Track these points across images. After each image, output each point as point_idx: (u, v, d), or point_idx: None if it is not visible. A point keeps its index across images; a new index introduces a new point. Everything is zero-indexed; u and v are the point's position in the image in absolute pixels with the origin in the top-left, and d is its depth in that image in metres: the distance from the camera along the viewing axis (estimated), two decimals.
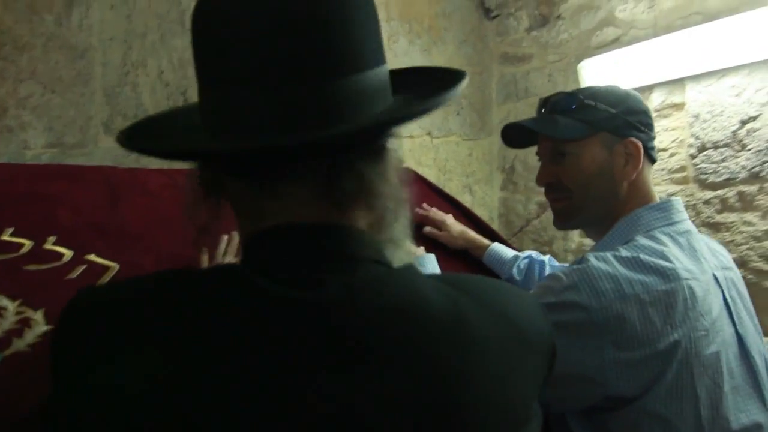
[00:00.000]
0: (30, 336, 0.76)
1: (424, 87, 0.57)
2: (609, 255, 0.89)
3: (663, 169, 1.78)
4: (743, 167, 1.59)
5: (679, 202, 1.01)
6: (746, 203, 1.58)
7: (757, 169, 1.56)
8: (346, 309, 0.48)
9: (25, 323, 0.78)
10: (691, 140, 1.70)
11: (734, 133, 1.60)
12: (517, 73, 2.21)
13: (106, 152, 2.04)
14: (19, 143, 1.98)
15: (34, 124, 2.01)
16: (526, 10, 2.15)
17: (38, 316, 0.79)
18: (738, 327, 0.92)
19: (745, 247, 1.58)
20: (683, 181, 1.73)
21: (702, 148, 1.68)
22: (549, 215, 1.26)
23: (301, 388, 0.44)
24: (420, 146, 2.14)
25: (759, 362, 0.91)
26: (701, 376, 0.84)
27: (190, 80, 1.76)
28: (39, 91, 2.01)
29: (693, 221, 1.68)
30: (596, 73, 1.88)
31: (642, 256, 0.89)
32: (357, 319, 0.48)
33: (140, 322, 0.48)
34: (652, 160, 1.06)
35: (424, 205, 1.43)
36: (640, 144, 0.99)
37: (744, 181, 1.59)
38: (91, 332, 0.49)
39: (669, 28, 1.72)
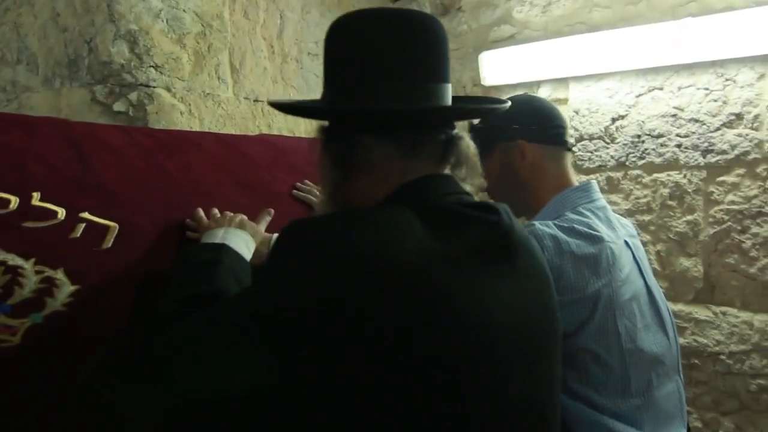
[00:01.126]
0: (61, 295, 0.73)
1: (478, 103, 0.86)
2: (550, 222, 1.11)
3: None
4: (612, 157, 1.92)
5: (595, 183, 1.25)
6: (613, 186, 1.93)
7: (623, 159, 1.90)
8: (514, 224, 0.72)
9: (50, 283, 0.74)
10: (572, 131, 2.00)
11: (606, 128, 1.93)
12: None
13: None
14: None
15: None
16: None
17: (60, 275, 0.75)
18: (646, 279, 1.19)
19: None
20: None
21: (580, 139, 1.98)
22: None
23: (503, 278, 0.68)
24: None
25: (662, 306, 1.19)
26: (621, 317, 1.08)
27: (97, 28, 1.61)
28: None
29: None
30: (493, 64, 2.10)
31: (575, 225, 1.11)
32: (518, 232, 0.72)
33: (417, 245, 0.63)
34: (560, 150, 1.25)
35: None
36: (526, 144, 1.21)
37: (612, 168, 1.93)
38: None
39: (558, 33, 1.99)
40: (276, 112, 2.00)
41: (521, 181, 1.24)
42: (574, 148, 2.00)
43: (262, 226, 1.03)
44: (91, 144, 1.03)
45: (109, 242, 0.85)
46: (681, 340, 1.65)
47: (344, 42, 0.75)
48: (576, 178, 1.27)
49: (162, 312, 0.70)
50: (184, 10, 1.73)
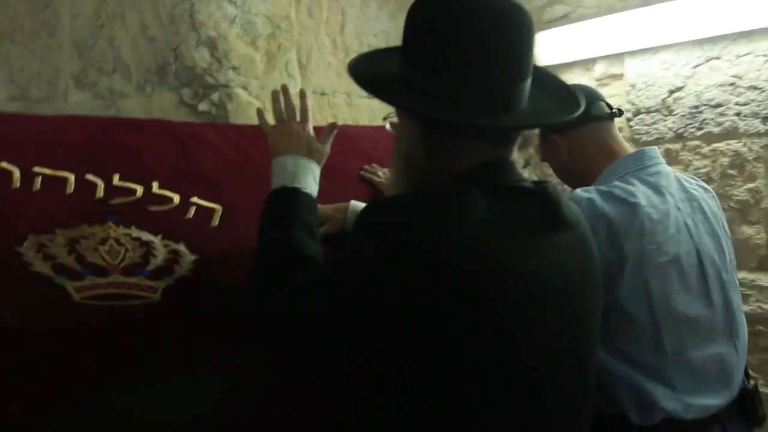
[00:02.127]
0: (185, 263, 0.90)
1: (551, 92, 0.86)
2: (591, 188, 1.19)
3: None
4: (670, 129, 1.95)
5: (652, 150, 1.28)
6: (671, 159, 1.96)
7: (681, 130, 1.93)
8: (561, 197, 0.81)
9: (175, 254, 0.91)
10: (628, 106, 2.04)
11: (663, 100, 1.96)
12: None
13: (78, 106, 2.03)
14: None
15: None
16: None
17: (182, 247, 0.93)
18: (696, 243, 1.20)
19: None
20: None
21: (637, 113, 2.03)
22: None
23: (550, 245, 0.78)
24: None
25: (710, 270, 1.20)
26: (654, 278, 1.13)
27: (182, 37, 1.80)
28: None
29: None
30: (548, 44, 2.16)
31: (614, 190, 1.17)
32: (564, 204, 0.82)
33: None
34: (598, 124, 1.29)
35: None
36: (558, 138, 1.29)
37: (670, 140, 1.96)
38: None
39: (611, 9, 2.03)
40: (341, 104, 2.15)
41: (572, 169, 1.32)
42: (629, 120, 2.04)
43: (327, 146, 1.06)
44: (191, 140, 1.20)
45: (216, 221, 1.02)
46: (745, 308, 1.69)
47: (433, 24, 0.76)
48: (628, 146, 1.31)
49: (257, 277, 0.84)
50: (255, 15, 1.89)
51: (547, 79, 0.85)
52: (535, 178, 0.89)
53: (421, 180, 0.82)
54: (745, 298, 1.80)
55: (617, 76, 2.08)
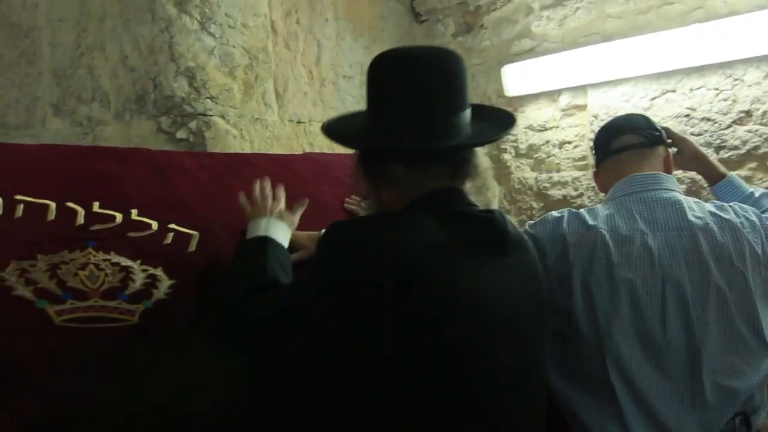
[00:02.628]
0: (163, 287, 0.94)
1: (493, 120, 0.98)
2: (565, 209, 1.29)
3: (568, 158, 2.21)
4: None
5: (646, 176, 1.28)
6: None
7: None
8: (506, 222, 0.89)
9: (153, 278, 0.94)
10: (591, 135, 2.13)
11: None
12: None
13: (56, 133, 2.06)
14: None
15: None
16: (452, 17, 2.48)
17: (160, 272, 0.96)
18: (665, 271, 1.15)
19: None
20: (584, 167, 2.17)
21: None
22: None
23: (497, 264, 0.85)
24: None
25: (671, 302, 1.14)
26: (599, 296, 1.14)
27: (161, 67, 1.85)
28: None
29: (592, 200, 2.13)
30: (515, 76, 2.26)
31: (581, 212, 1.26)
32: (510, 228, 0.88)
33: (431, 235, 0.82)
34: (613, 157, 1.36)
35: None
36: (598, 173, 1.42)
37: None
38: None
39: (575, 44, 2.14)
40: (317, 132, 2.20)
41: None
42: (592, 148, 2.13)
43: (296, 216, 1.15)
44: (169, 168, 1.24)
45: (193, 246, 1.06)
46: None
47: (379, 80, 0.92)
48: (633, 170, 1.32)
49: (231, 297, 0.90)
50: (233, 46, 1.95)
51: (490, 111, 1.00)
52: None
53: (380, 206, 0.91)
54: None
55: (581, 107, 2.17)
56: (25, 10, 2.06)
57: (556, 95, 2.23)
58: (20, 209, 0.94)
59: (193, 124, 1.87)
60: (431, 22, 2.54)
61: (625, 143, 1.34)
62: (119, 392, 0.85)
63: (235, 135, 1.95)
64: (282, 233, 1.06)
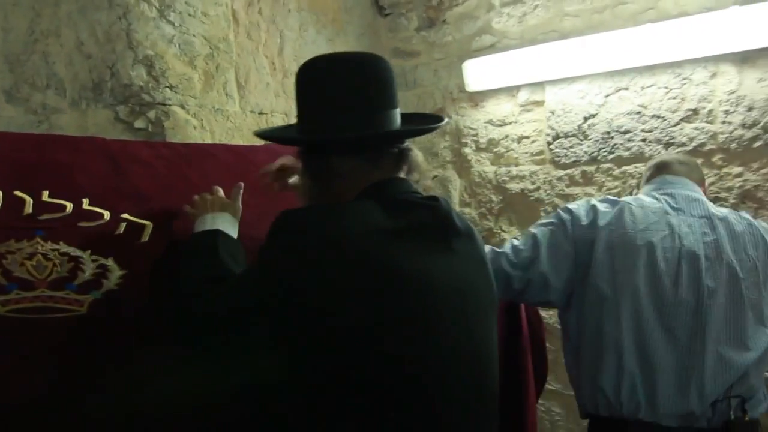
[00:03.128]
0: (113, 278, 0.92)
1: (421, 121, 1.07)
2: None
3: (526, 153, 2.25)
4: (585, 152, 2.10)
5: (668, 177, 1.43)
6: (587, 179, 2.10)
7: (595, 154, 2.08)
8: (451, 210, 0.92)
9: (104, 268, 0.93)
10: (548, 131, 2.18)
11: (579, 126, 2.10)
12: (406, 66, 2.54)
13: (9, 121, 1.99)
14: None
15: None
16: (415, 11, 2.48)
17: (111, 262, 0.95)
18: (682, 244, 1.26)
19: None
20: (542, 162, 2.22)
21: (556, 137, 2.16)
22: None
23: (442, 249, 0.87)
24: None
25: (686, 269, 1.25)
26: (621, 256, 1.27)
27: (118, 55, 1.81)
28: None
29: (549, 194, 2.18)
30: (476, 71, 2.28)
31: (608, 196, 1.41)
32: (455, 215, 0.91)
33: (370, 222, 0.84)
34: None
35: None
36: None
37: (586, 163, 2.10)
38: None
39: (533, 41, 2.17)
40: (279, 123, 2.19)
41: None
42: (549, 143, 2.18)
43: (237, 202, 1.16)
44: (124, 157, 1.22)
45: (146, 237, 1.05)
46: None
47: (312, 83, 0.96)
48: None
49: (183, 289, 0.89)
50: (194, 35, 1.92)
51: (418, 115, 1.11)
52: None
53: (329, 200, 0.92)
54: None
55: (539, 103, 2.21)
56: None
57: (515, 91, 2.26)
58: None
59: (151, 114, 1.84)
60: (395, 16, 2.55)
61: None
62: (65, 383, 0.84)
63: (195, 125, 1.93)
64: (228, 223, 1.06)
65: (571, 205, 1.38)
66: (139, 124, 1.84)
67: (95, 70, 1.87)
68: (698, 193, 1.39)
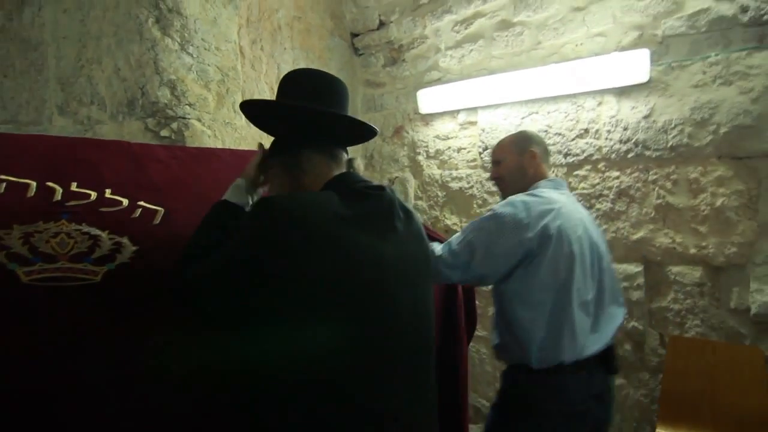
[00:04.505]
0: (126, 252, 0.84)
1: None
2: (522, 194, 1.25)
3: (464, 160, 2.20)
4: None
5: (560, 179, 1.36)
6: None
7: None
8: (396, 198, 0.86)
9: (119, 245, 0.84)
10: (480, 143, 2.13)
11: None
12: (375, 94, 2.47)
13: (61, 130, 1.86)
14: None
15: None
16: (382, 52, 2.41)
17: (126, 240, 0.86)
18: (589, 234, 1.24)
19: None
20: (475, 167, 2.17)
21: (485, 148, 2.12)
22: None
23: (389, 228, 0.80)
24: None
25: (593, 254, 1.23)
26: (568, 246, 1.16)
27: (147, 78, 1.70)
28: None
29: (480, 191, 2.13)
30: (427, 99, 2.22)
31: (536, 192, 1.24)
32: (397, 201, 0.84)
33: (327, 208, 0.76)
34: (547, 159, 1.38)
35: None
36: (537, 152, 1.34)
37: None
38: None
39: (469, 76, 2.12)
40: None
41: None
42: (481, 153, 2.14)
43: (250, 165, 1.03)
44: (144, 157, 1.12)
45: (158, 220, 0.96)
46: None
47: (289, 86, 0.91)
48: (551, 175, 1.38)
49: (187, 254, 0.81)
50: (208, 65, 1.82)
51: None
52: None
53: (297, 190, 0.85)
54: None
55: (473, 123, 2.16)
56: (33, 27, 1.84)
57: (456, 113, 2.21)
58: (2, 186, 0.82)
59: (174, 125, 1.74)
60: (366, 56, 2.47)
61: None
62: (78, 339, 0.76)
63: (209, 135, 1.82)
64: (237, 188, 0.96)
65: (504, 209, 1.20)
66: (164, 133, 1.73)
67: (129, 90, 1.75)
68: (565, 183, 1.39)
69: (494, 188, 2.10)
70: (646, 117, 1.69)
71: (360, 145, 2.69)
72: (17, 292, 0.72)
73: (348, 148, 0.94)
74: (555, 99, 1.90)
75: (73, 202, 0.87)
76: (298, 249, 0.71)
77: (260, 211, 0.76)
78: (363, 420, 0.71)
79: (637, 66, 1.65)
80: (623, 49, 1.70)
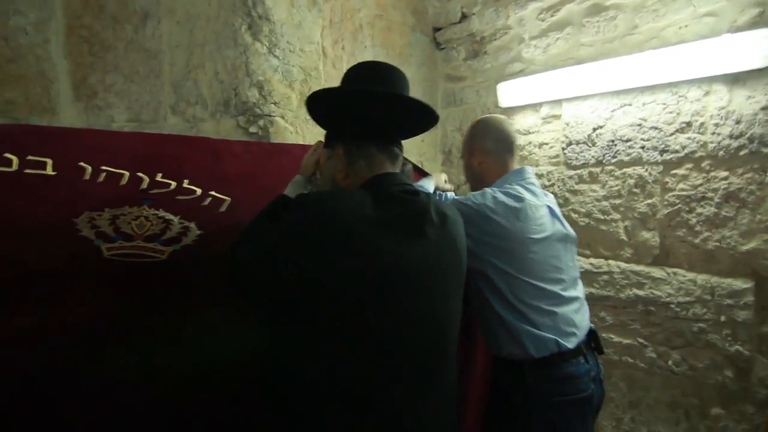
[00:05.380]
0: (192, 236, 0.94)
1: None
2: (492, 188, 1.26)
3: (546, 156, 2.06)
4: (593, 156, 1.89)
5: (529, 168, 1.35)
6: (593, 178, 1.89)
7: (600, 158, 1.86)
8: (433, 203, 0.85)
9: (186, 229, 0.95)
10: (563, 138, 1.98)
11: (588, 135, 1.89)
12: (455, 88, 2.42)
13: (173, 127, 2.12)
14: (107, 118, 2.04)
15: (117, 104, 2.06)
16: (464, 46, 2.35)
17: (193, 225, 0.97)
18: (562, 225, 1.29)
19: (590, 205, 1.90)
20: (557, 163, 2.03)
21: (569, 144, 1.96)
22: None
23: (417, 234, 0.79)
24: None
25: (568, 245, 1.28)
26: (534, 246, 1.18)
27: (239, 80, 1.87)
28: (121, 80, 2.06)
29: (561, 188, 1.99)
30: (508, 91, 2.12)
31: (507, 189, 1.23)
32: (433, 208, 0.82)
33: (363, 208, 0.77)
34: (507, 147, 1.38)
35: None
36: (486, 147, 1.36)
37: (593, 165, 1.89)
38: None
39: (554, 66, 1.98)
40: None
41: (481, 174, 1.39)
42: (564, 149, 1.99)
43: (308, 160, 1.09)
44: (223, 151, 1.25)
45: (223, 208, 1.06)
46: (640, 293, 1.63)
47: (343, 81, 0.94)
48: (515, 166, 1.37)
49: (239, 240, 0.88)
50: (293, 66, 1.94)
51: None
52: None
53: (341, 184, 0.86)
54: (641, 285, 1.74)
55: (557, 116, 2.02)
56: (153, 38, 2.12)
57: (538, 107, 2.08)
58: (103, 176, 0.97)
59: (261, 122, 1.89)
60: (448, 50, 2.43)
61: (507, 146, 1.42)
62: (142, 307, 0.87)
63: (292, 131, 1.95)
64: (295, 184, 1.02)
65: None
66: (252, 129, 1.89)
67: (225, 91, 1.94)
68: (532, 173, 1.39)
69: (578, 186, 1.95)
70: (764, 108, 1.43)
71: (438, 140, 2.67)
72: (99, 263, 0.86)
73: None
74: (652, 89, 1.69)
75: (155, 191, 1.00)
76: (321, 248, 0.73)
77: (298, 207, 0.79)
78: (363, 424, 0.72)
79: (756, 49, 1.40)
80: (738, 29, 1.45)
